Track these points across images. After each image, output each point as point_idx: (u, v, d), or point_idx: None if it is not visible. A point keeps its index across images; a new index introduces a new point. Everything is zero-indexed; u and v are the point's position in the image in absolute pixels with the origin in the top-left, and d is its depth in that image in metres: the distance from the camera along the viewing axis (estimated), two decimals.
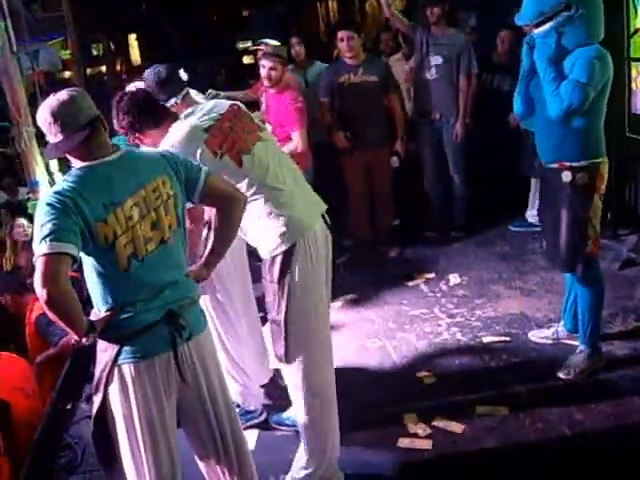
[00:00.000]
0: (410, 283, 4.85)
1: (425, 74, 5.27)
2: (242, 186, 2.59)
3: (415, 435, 3.19)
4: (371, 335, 4.18)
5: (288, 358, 2.72)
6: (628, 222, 5.13)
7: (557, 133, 3.26)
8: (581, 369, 3.47)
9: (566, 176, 3.29)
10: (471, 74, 5.23)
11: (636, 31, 4.54)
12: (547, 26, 3.12)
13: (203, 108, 2.74)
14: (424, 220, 5.69)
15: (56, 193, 2.06)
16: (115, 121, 2.72)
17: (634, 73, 4.63)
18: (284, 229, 2.62)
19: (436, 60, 5.19)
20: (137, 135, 2.77)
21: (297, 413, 2.85)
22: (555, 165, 3.33)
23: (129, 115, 2.72)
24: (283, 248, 2.62)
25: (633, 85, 4.66)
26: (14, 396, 3.39)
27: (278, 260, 2.63)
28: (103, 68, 9.35)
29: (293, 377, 2.77)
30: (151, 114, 2.74)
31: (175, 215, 2.24)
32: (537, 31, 3.19)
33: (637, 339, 3.75)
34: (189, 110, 2.74)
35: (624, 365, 3.54)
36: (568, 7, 3.07)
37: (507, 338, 3.94)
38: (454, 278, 4.83)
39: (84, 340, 2.15)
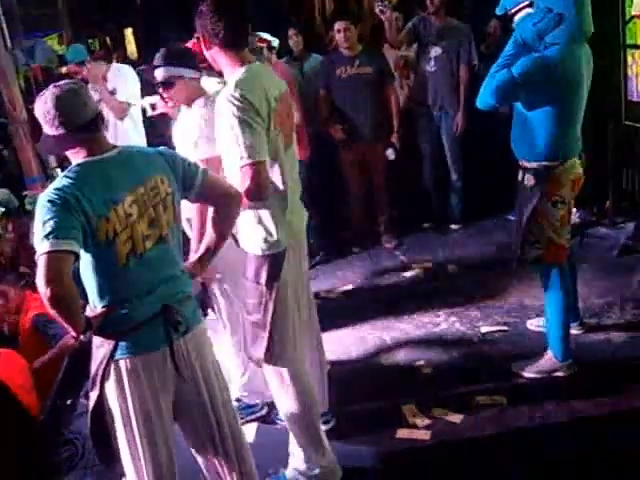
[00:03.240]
0: (408, 274, 4.85)
1: (424, 66, 5.24)
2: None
3: (414, 426, 3.19)
4: (369, 326, 4.18)
5: (270, 360, 2.68)
6: (626, 210, 5.13)
7: (517, 128, 3.26)
8: (538, 370, 3.42)
9: (520, 174, 3.28)
10: (471, 64, 5.19)
11: (631, 18, 4.53)
12: (515, 19, 3.15)
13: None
14: (422, 211, 5.70)
15: (57, 189, 2.03)
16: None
17: (629, 60, 4.62)
18: (281, 231, 2.57)
19: (435, 51, 5.16)
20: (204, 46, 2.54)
21: (284, 412, 2.83)
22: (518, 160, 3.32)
23: (211, 18, 2.46)
24: (277, 249, 2.57)
25: (629, 72, 4.65)
26: (19, 394, 3.39)
27: (268, 261, 2.57)
28: None
29: (278, 378, 2.74)
30: (234, 27, 2.47)
31: (172, 212, 2.24)
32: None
33: (635, 327, 3.76)
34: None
35: (622, 353, 3.54)
36: (531, 4, 3.08)
37: (505, 327, 3.94)
38: (452, 268, 4.83)
39: (81, 337, 2.15)
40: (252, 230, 2.61)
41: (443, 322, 4.11)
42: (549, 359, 3.41)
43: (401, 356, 3.83)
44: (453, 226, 5.55)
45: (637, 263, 4.47)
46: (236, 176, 2.45)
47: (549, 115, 3.11)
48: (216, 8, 2.46)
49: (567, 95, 3.09)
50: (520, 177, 3.29)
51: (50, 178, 5.06)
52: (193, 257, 2.46)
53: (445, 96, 5.26)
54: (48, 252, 1.93)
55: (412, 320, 4.19)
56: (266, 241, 2.58)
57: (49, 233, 1.94)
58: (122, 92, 4.98)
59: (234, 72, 2.52)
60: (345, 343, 3.99)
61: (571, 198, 3.25)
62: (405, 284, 4.73)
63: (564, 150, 3.18)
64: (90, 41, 10.41)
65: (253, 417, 3.37)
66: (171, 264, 2.25)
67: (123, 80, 5.02)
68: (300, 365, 2.76)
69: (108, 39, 10.92)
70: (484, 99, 3.16)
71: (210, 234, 2.42)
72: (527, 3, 3.11)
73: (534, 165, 3.22)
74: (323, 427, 3.08)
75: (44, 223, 1.97)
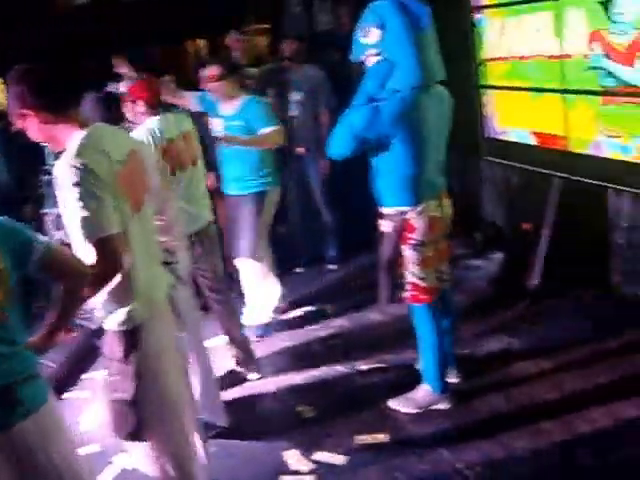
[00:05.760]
0: (284, 317, 4.80)
1: (286, 110, 5.29)
2: None
3: (297, 472, 3.13)
4: (250, 370, 4.05)
5: (142, 436, 2.45)
6: (493, 240, 5.34)
7: (373, 176, 3.30)
8: (416, 405, 3.45)
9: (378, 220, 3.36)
10: (331, 109, 5.22)
11: (482, 62, 4.80)
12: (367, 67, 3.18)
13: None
14: (296, 253, 5.69)
15: None
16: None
17: (484, 100, 4.88)
18: (134, 305, 2.37)
19: (296, 96, 5.25)
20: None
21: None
22: None
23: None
24: (132, 324, 2.37)
25: (484, 111, 4.91)
26: None
27: (124, 336, 2.37)
28: None
29: (148, 455, 2.51)
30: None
31: (5, 289, 2.02)
32: None
33: (509, 356, 3.87)
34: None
35: (497, 382, 3.61)
36: (378, 53, 3.12)
37: (384, 364, 3.94)
38: (329, 308, 4.82)
39: None
40: (105, 305, 2.40)
41: (322, 365, 4.06)
42: (426, 394, 3.44)
43: (281, 401, 3.76)
44: (330, 266, 5.59)
45: (508, 293, 4.62)
46: (86, 251, 2.22)
47: (397, 161, 3.15)
48: (29, 75, 2.28)
49: (412, 141, 3.11)
50: (379, 223, 3.35)
51: None
52: (39, 334, 2.22)
53: (310, 139, 5.33)
54: None
55: (293, 363, 4.14)
56: (119, 317, 2.37)
57: None
58: None
59: (73, 137, 2.28)
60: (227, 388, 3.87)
61: (432, 240, 3.26)
62: (280, 327, 4.67)
63: (415, 195, 3.20)
64: None
65: None
66: (7, 343, 2.04)
67: None
68: (175, 441, 2.52)
69: None
70: (333, 151, 3.25)
71: (57, 309, 2.20)
72: (374, 52, 3.13)
73: (388, 211, 3.28)
74: None
75: None
